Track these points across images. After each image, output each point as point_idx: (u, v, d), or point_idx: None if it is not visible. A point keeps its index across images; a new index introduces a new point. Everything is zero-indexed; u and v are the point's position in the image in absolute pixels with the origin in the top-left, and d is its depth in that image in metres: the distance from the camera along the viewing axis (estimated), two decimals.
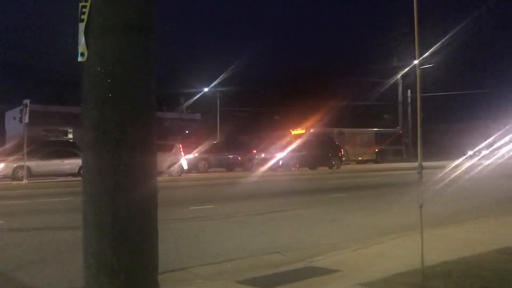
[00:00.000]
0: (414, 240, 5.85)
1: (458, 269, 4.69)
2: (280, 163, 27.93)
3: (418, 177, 4.46)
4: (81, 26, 2.34)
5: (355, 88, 53.47)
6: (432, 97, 43.23)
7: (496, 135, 32.08)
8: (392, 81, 45.67)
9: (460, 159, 27.20)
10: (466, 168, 21.82)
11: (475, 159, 25.97)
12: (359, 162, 37.97)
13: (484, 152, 32.81)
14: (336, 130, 38.36)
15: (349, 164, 35.44)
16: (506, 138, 34.26)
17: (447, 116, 54.18)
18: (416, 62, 4.82)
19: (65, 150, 22.55)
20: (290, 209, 10.52)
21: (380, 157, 39.41)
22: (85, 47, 2.33)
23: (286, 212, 10.13)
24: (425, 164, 4.78)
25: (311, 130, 35.92)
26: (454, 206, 10.65)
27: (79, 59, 2.36)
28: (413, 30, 4.46)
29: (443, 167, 21.48)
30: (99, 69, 2.33)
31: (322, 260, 5.42)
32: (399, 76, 45.02)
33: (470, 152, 25.71)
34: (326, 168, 29.28)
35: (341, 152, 31.13)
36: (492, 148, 34.21)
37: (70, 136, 35.65)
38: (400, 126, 44.83)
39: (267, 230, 7.89)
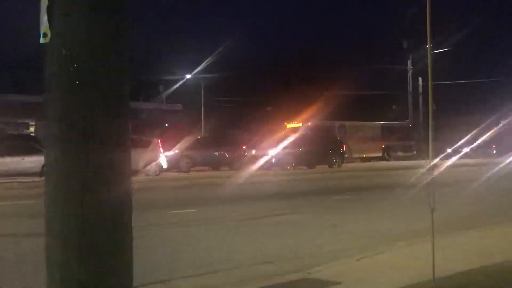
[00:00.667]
0: (425, 248, 5.90)
1: (475, 281, 4.73)
2: (273, 161, 27.97)
3: (429, 176, 4.50)
4: (44, 3, 2.32)
5: (359, 75, 53.50)
6: (447, 86, 43.54)
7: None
8: (401, 67, 45.92)
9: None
10: (475, 167, 22.01)
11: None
12: (363, 159, 38.14)
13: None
14: (337, 123, 38.49)
15: (352, 161, 35.57)
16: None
17: (463, 107, 54.52)
18: (428, 45, 4.85)
19: (25, 146, 22.37)
20: (285, 213, 10.55)
21: (388, 154, 39.64)
22: (47, 27, 2.31)
23: (280, 216, 10.16)
24: (438, 162, 4.82)
25: (309, 123, 36.00)
26: (468, 209, 10.75)
27: (41, 40, 2.34)
28: (425, 7, 4.47)
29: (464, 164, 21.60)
30: (64, 52, 2.31)
31: (321, 271, 5.45)
32: (408, 61, 45.30)
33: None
34: (326, 166, 29.39)
35: (343, 148, 31.27)
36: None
37: (32, 129, 35.38)
38: (410, 119, 45.08)
39: (258, 237, 7.90)
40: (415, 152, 42.03)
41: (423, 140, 40.99)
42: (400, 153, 40.50)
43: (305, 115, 37.98)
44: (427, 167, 4.65)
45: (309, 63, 58.38)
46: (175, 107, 52.61)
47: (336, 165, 29.55)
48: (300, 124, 36.18)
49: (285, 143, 28.69)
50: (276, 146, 28.45)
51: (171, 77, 50.20)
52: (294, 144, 28.87)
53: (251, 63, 65.27)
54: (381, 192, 14.97)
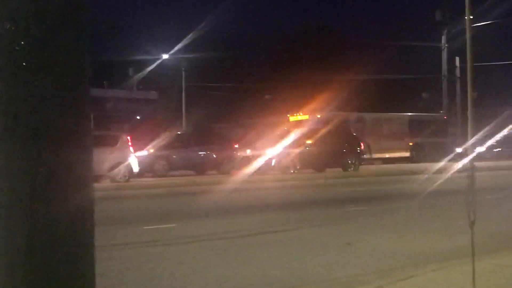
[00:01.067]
0: (463, 271, 5.93)
1: None
2: (272, 163, 28.03)
3: (468, 181, 4.52)
4: None
5: (381, 55, 53.57)
6: (490, 68, 43.64)
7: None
8: (433, 44, 45.97)
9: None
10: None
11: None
12: (386, 161, 38.24)
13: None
14: (353, 115, 38.57)
15: (372, 163, 35.64)
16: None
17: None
18: (467, 17, 4.87)
19: None
20: (287, 228, 10.58)
21: (417, 154, 39.76)
22: None
23: (281, 233, 10.19)
24: (479, 164, 4.85)
25: (318, 116, 36.06)
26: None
27: None
28: None
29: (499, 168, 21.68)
30: (8, 26, 2.32)
31: None
32: (443, 37, 45.37)
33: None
34: (339, 169, 29.47)
35: (360, 146, 31.33)
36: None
37: None
38: (445, 110, 45.22)
39: (254, 259, 7.93)
40: (453, 152, 42.14)
41: (462, 136, 41.15)
42: (432, 152, 40.61)
43: (313, 105, 38.02)
44: (463, 168, 4.68)
45: (318, 39, 58.39)
46: (149, 95, 52.65)
47: (352, 168, 29.62)
48: (306, 117, 36.24)
49: (288, 140, 28.74)
50: (277, 144, 28.49)
51: (144, 57, 50.09)
52: (299, 141, 28.91)
53: (245, 40, 65.20)
54: (408, 202, 15.01)
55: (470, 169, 4.52)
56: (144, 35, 64.99)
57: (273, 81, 54.05)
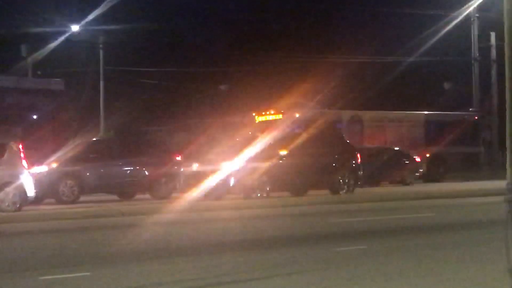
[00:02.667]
0: None
1: None
2: (231, 184, 27.94)
3: (506, 209, 4.58)
4: None
5: (384, 29, 54.04)
6: None
7: None
8: (458, 16, 45.68)
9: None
10: None
11: None
12: (392, 180, 38.45)
13: None
14: (346, 113, 38.75)
15: (374, 184, 35.82)
16: None
17: None
18: None
19: None
20: (252, 277, 10.57)
21: (436, 170, 40.01)
22: None
23: (242, 284, 10.19)
24: None
25: (296, 115, 36.15)
26: None
27: None
28: None
29: None
30: None
31: None
32: (472, 7, 45.33)
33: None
34: (327, 192, 29.50)
35: (356, 159, 31.44)
36: None
37: None
38: (476, 107, 45.61)
39: None
40: (484, 166, 42.53)
41: (499, 143, 41.64)
42: (458, 168, 40.94)
43: (289, 99, 38.13)
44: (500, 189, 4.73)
45: (298, 4, 58.75)
46: (51, 84, 52.01)
47: (344, 190, 29.62)
48: (279, 116, 36.27)
49: (253, 150, 28.65)
50: (237, 156, 28.42)
51: (44, 31, 49.69)
52: (269, 152, 28.84)
53: (191, 5, 65.14)
54: (423, 238, 15.09)
55: (509, 191, 4.56)
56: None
57: (231, 64, 53.96)
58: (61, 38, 48.51)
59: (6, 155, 24.42)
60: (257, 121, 36.69)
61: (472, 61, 46.75)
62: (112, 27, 48.86)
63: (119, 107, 47.25)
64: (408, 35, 49.15)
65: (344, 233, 16.47)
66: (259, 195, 28.06)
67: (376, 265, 11.70)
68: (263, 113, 37.37)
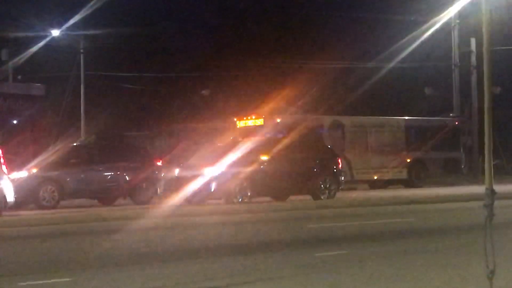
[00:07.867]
0: None
1: None
2: (212, 189, 27.94)
3: (485, 214, 4.58)
4: None
5: (367, 35, 54.17)
6: None
7: None
8: (438, 22, 45.75)
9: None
10: None
11: None
12: (374, 184, 38.51)
13: None
14: (328, 119, 38.78)
15: (354, 188, 35.83)
16: None
17: None
18: None
19: None
20: (232, 282, 10.55)
21: (417, 175, 40.13)
22: None
23: None
24: (501, 188, 4.91)
25: (277, 120, 36.17)
26: None
27: None
28: None
29: None
30: None
31: None
32: (452, 13, 45.41)
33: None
34: (308, 197, 29.52)
35: (337, 164, 31.51)
36: None
37: None
38: (457, 112, 45.80)
39: None
40: (464, 172, 42.71)
41: (479, 148, 41.78)
42: (439, 173, 41.07)
43: (271, 104, 38.15)
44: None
45: (280, 9, 58.79)
46: (32, 89, 51.81)
47: (325, 195, 29.68)
48: (261, 121, 36.29)
49: (234, 155, 28.67)
50: (218, 162, 28.43)
51: (24, 34, 49.49)
52: (250, 157, 28.88)
53: (173, 9, 65.09)
54: (404, 243, 15.12)
55: (487, 194, 4.56)
56: (24, 2, 64.32)
57: (212, 69, 53.98)
58: (42, 43, 48.41)
59: None
60: (238, 126, 36.69)
61: (453, 67, 46.96)
62: (93, 32, 48.77)
63: (100, 112, 47.08)
64: (389, 40, 49.33)
65: (324, 239, 16.46)
66: (240, 200, 28.12)
67: (356, 270, 11.72)
68: (245, 118, 37.37)
